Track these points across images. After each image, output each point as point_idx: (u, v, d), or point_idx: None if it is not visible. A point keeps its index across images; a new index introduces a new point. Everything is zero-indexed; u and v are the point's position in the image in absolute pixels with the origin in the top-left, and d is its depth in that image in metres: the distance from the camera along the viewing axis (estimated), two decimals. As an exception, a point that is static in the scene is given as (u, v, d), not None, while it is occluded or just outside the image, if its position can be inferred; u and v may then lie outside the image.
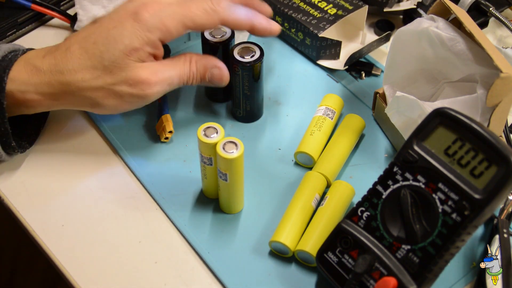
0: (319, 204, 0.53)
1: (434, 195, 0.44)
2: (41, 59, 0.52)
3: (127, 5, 0.52)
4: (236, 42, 0.57)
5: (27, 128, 0.57)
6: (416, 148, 0.45)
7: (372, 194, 0.47)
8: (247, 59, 0.55)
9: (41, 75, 0.51)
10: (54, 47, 0.53)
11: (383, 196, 0.46)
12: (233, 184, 0.51)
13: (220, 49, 0.57)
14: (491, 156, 0.42)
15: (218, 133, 0.49)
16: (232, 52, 0.56)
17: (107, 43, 0.50)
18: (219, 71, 0.55)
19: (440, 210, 0.43)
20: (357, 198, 0.49)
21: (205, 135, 0.49)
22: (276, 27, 0.55)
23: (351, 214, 0.48)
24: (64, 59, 0.51)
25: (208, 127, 0.49)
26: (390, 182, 0.46)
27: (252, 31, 0.55)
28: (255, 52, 0.56)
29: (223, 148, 0.48)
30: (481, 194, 0.42)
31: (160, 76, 0.52)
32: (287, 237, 0.50)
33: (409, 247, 0.44)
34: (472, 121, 0.43)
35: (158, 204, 0.54)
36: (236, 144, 0.48)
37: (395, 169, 0.46)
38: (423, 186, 0.44)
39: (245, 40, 0.65)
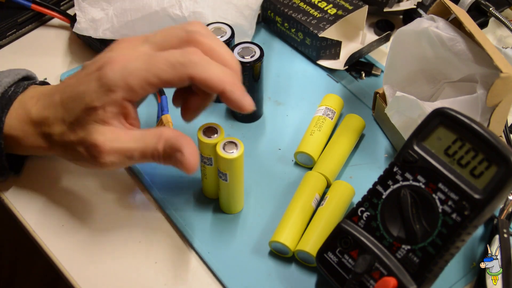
0: (319, 204, 0.53)
1: (434, 195, 0.44)
2: (35, 103, 0.50)
3: (98, 58, 0.48)
4: (236, 42, 0.57)
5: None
6: (416, 148, 0.45)
7: (372, 194, 0.47)
8: (247, 59, 0.55)
9: (31, 127, 0.50)
10: (47, 91, 0.51)
11: (383, 196, 0.46)
12: (233, 184, 0.51)
13: (220, 49, 0.57)
14: (491, 156, 0.42)
15: (218, 133, 0.49)
16: (232, 52, 0.56)
17: (72, 100, 0.47)
18: (181, 157, 0.46)
19: (440, 210, 0.43)
20: (357, 198, 0.49)
21: (205, 135, 0.49)
22: (249, 104, 0.45)
23: (351, 214, 0.48)
24: (47, 108, 0.49)
25: (208, 127, 0.49)
26: (390, 182, 0.46)
27: (222, 97, 0.45)
28: (255, 52, 0.56)
29: (223, 148, 0.48)
30: (481, 194, 0.42)
31: (116, 146, 0.46)
32: (287, 237, 0.50)
33: (409, 247, 0.44)
34: (472, 121, 0.43)
35: (158, 204, 0.54)
36: (236, 144, 0.48)
37: (395, 169, 0.46)
38: (423, 186, 0.44)
39: (246, 40, 0.65)
